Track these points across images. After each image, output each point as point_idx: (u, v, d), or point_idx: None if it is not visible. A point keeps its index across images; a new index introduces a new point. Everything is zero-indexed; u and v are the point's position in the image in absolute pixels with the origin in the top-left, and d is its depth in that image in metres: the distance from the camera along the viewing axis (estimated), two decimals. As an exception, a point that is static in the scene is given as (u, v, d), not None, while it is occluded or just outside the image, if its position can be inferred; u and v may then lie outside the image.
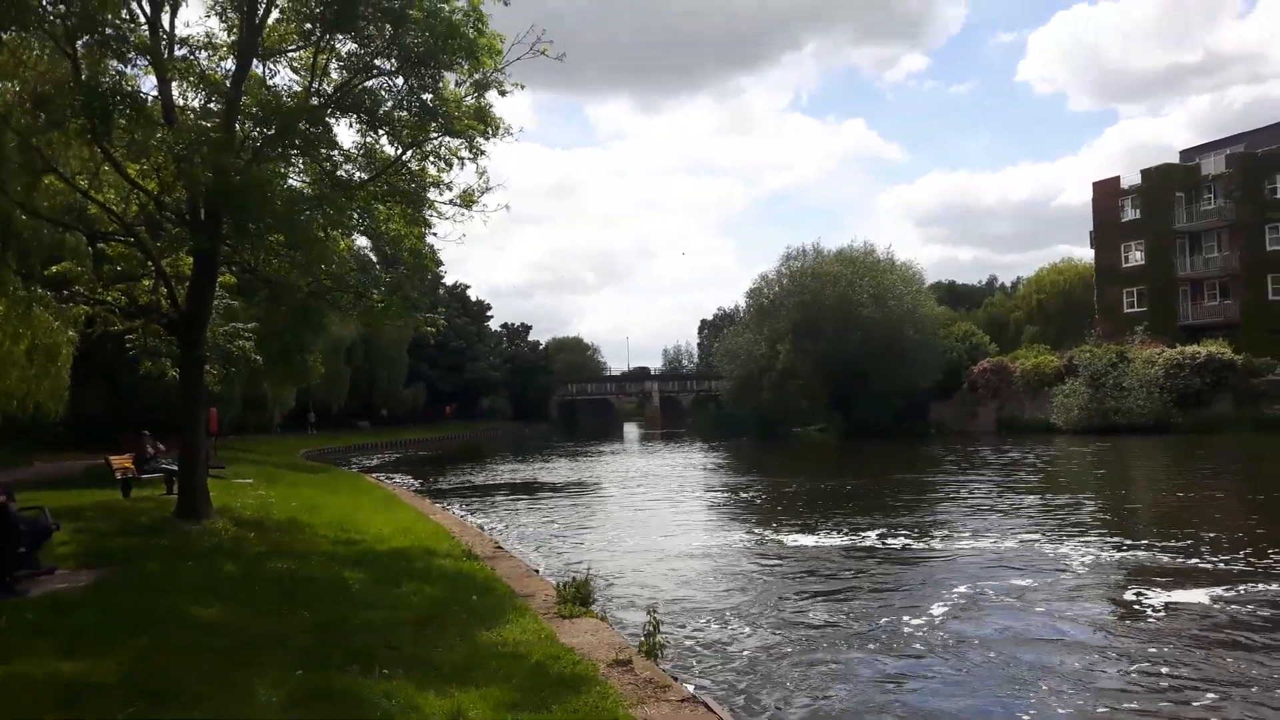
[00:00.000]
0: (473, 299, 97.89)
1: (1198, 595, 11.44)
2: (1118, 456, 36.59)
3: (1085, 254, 74.99)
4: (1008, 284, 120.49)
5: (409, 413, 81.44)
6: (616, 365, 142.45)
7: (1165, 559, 14.03)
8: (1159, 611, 10.75)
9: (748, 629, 10.23)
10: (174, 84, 12.56)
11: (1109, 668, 8.68)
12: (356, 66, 12.21)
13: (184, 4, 13.47)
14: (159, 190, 12.75)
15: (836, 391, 56.53)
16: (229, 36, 13.23)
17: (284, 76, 13.09)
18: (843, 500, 23.74)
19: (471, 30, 11.47)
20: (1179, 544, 15.13)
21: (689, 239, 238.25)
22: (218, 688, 5.83)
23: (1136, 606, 11.02)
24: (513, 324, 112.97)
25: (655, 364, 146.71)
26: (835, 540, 16.63)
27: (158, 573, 9.27)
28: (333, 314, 26.11)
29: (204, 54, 12.84)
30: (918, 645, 9.45)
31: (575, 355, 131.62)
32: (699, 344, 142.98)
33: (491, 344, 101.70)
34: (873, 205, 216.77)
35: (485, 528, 17.90)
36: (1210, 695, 7.82)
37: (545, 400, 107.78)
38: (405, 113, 12.90)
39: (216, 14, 13.03)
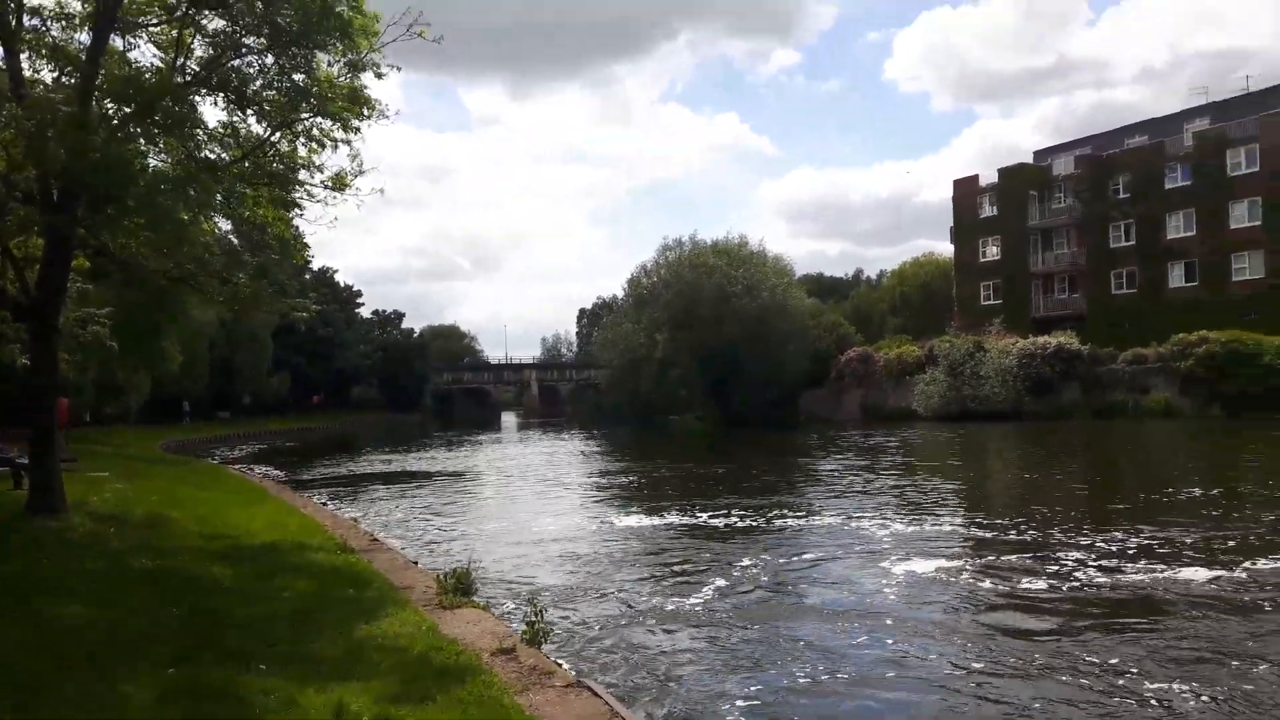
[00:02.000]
0: (341, 284, 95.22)
1: (960, 563, 12.29)
2: (970, 441, 38.60)
3: (945, 248, 78.39)
4: (873, 277, 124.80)
5: (274, 402, 78.76)
6: (494, 354, 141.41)
7: (978, 533, 15.22)
8: (930, 580, 11.38)
9: (626, 611, 10.36)
10: (23, 57, 11.82)
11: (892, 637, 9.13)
12: (224, 44, 11.72)
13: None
14: (7, 169, 11.97)
15: (712, 380, 57.59)
16: (84, 8, 12.51)
17: (144, 51, 12.45)
18: (712, 484, 24.56)
19: (346, 9, 11.17)
20: (993, 519, 16.35)
21: (565, 227, 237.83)
22: (87, 687, 5.58)
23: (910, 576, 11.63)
24: (384, 311, 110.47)
25: (533, 353, 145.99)
26: (705, 520, 17.28)
27: (14, 572, 8.76)
28: (193, 299, 25.08)
29: (57, 25, 12.09)
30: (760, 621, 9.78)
31: (451, 343, 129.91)
32: (578, 333, 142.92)
33: (362, 331, 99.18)
34: (747, 198, 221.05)
35: (359, 520, 17.50)
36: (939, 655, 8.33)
37: (420, 389, 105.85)
38: (275, 92, 12.47)
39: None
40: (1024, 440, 37.85)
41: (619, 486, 25.57)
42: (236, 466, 34.19)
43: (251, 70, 12.48)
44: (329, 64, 12.29)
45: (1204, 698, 7.33)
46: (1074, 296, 60.24)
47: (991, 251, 65.35)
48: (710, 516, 17.73)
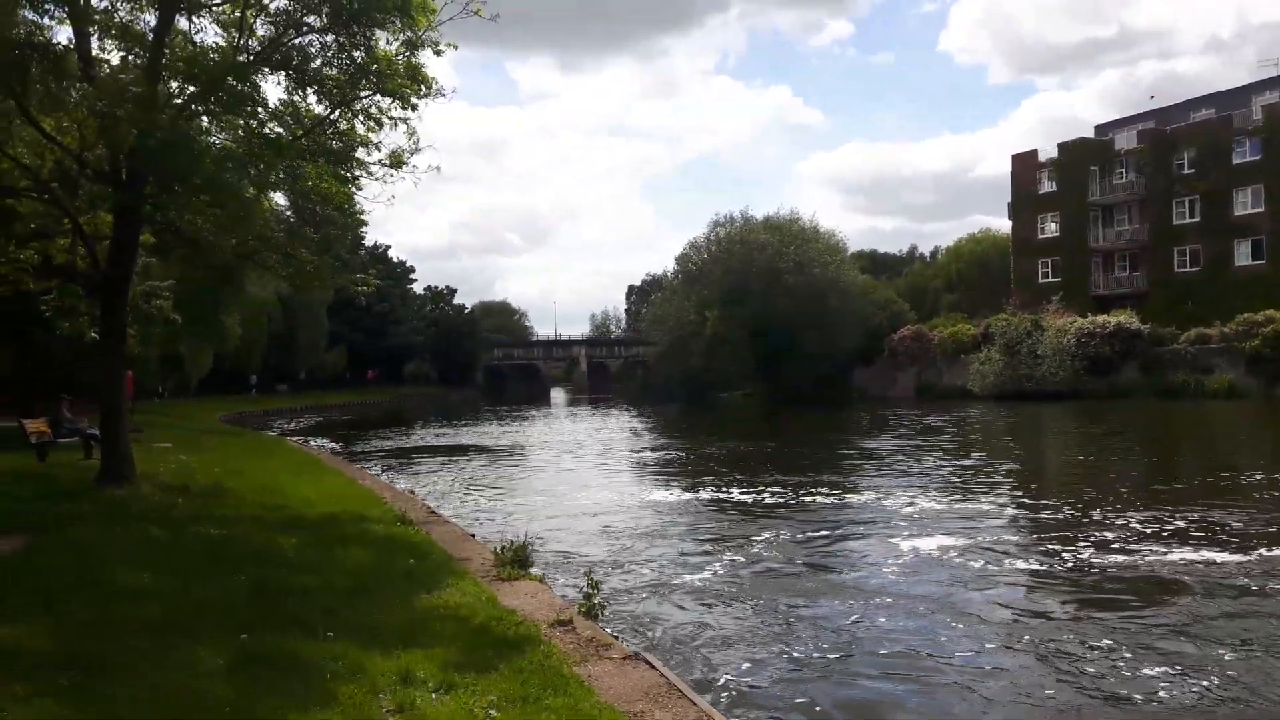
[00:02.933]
0: (394, 260, 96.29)
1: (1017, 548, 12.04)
2: (1024, 421, 37.98)
3: (1002, 224, 76.98)
4: (927, 253, 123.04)
5: (329, 377, 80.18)
6: (543, 330, 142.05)
7: (1019, 512, 15.01)
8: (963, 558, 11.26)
9: (682, 587, 10.42)
10: (93, 37, 12.08)
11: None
12: (286, 23, 11.88)
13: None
14: (79, 147, 12.28)
15: (763, 357, 57.36)
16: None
17: (208, 31, 12.65)
18: (760, 462, 24.49)
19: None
20: (1038, 500, 16.07)
21: (615, 201, 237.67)
22: (158, 653, 5.78)
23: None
24: (437, 287, 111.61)
25: (582, 329, 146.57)
26: (750, 497, 17.36)
27: (86, 539, 9.06)
28: (254, 274, 25.48)
29: (125, 5, 12.33)
30: (837, 595, 9.77)
31: (502, 319, 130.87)
32: (627, 309, 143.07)
33: (415, 307, 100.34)
34: (795, 172, 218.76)
35: (415, 492, 17.79)
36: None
37: (471, 365, 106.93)
38: (335, 70, 12.63)
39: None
40: (1079, 420, 37.16)
41: (666, 463, 25.72)
42: (294, 439, 34.92)
43: (313, 49, 12.65)
44: (386, 42, 12.39)
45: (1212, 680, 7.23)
46: (1135, 274, 58.91)
47: (1050, 228, 64.09)
48: (756, 493, 17.77)
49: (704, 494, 18.02)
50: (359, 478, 18.78)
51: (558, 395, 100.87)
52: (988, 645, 8.27)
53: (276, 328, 64.86)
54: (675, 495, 18.23)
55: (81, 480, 13.65)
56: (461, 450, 30.66)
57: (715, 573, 11.09)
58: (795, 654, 7.99)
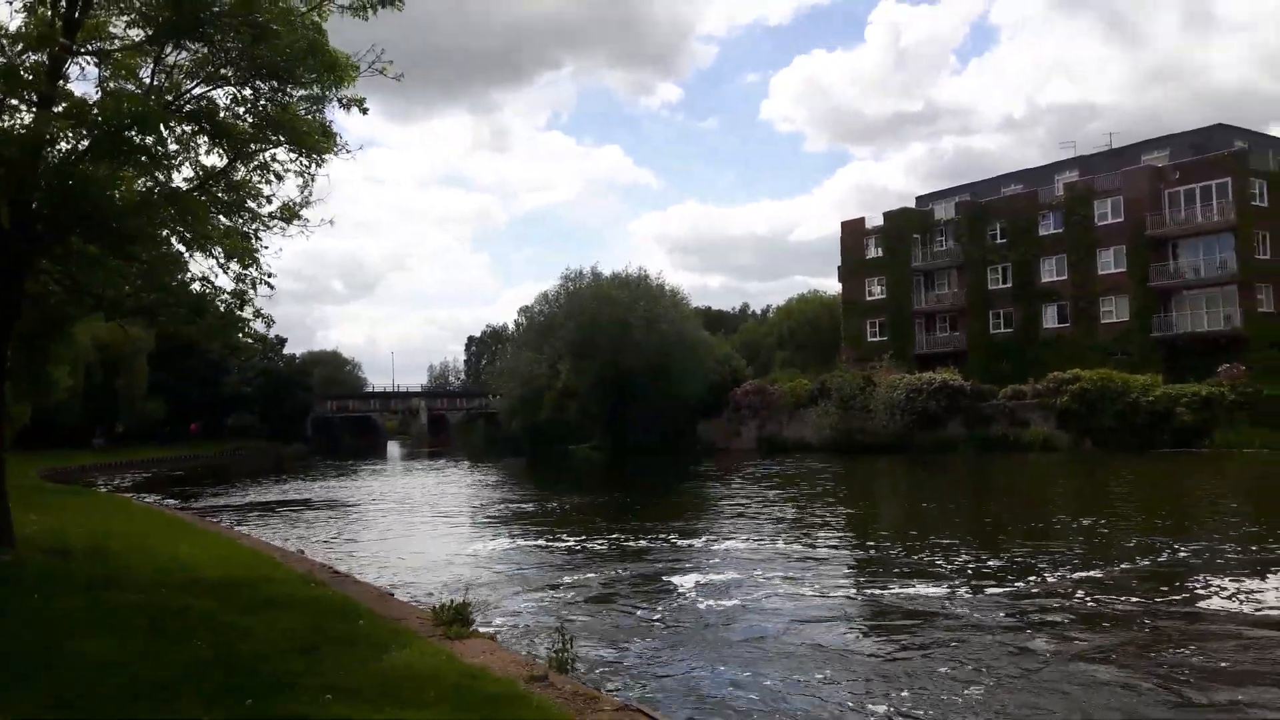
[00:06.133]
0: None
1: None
2: (858, 471, 40.51)
3: (823, 284, 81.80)
4: (758, 311, 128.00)
5: (149, 429, 75.49)
6: (374, 380, 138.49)
7: (849, 553, 16.18)
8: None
9: (604, 632, 10.70)
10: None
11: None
12: (200, 75, 11.65)
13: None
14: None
15: (612, 410, 58.11)
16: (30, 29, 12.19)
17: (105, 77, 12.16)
18: (618, 513, 26.00)
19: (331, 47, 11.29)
20: (864, 542, 17.43)
21: (447, 252, 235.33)
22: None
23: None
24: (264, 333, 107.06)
25: (418, 380, 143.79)
26: (618, 543, 19.04)
27: (6, 608, 8.49)
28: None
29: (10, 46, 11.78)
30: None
31: (333, 370, 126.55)
32: (466, 361, 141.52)
33: (242, 356, 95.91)
34: (628, 229, 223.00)
35: (299, 549, 17.26)
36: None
37: (301, 417, 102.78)
38: (243, 123, 12.44)
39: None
40: (909, 471, 39.91)
41: (530, 515, 26.39)
42: (128, 495, 33.00)
43: (220, 101, 12.41)
44: (302, 98, 12.32)
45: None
46: (955, 334, 63.30)
47: (877, 290, 68.13)
48: (622, 540, 19.34)
49: (570, 541, 19.27)
50: (236, 537, 18.04)
51: (394, 448, 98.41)
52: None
53: (93, 376, 60.73)
54: (550, 543, 19.41)
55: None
56: (307, 505, 30.38)
57: (646, 616, 11.55)
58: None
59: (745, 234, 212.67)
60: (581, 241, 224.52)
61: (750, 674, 9.31)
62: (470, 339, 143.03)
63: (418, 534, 22.45)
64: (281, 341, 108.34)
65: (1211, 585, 13.25)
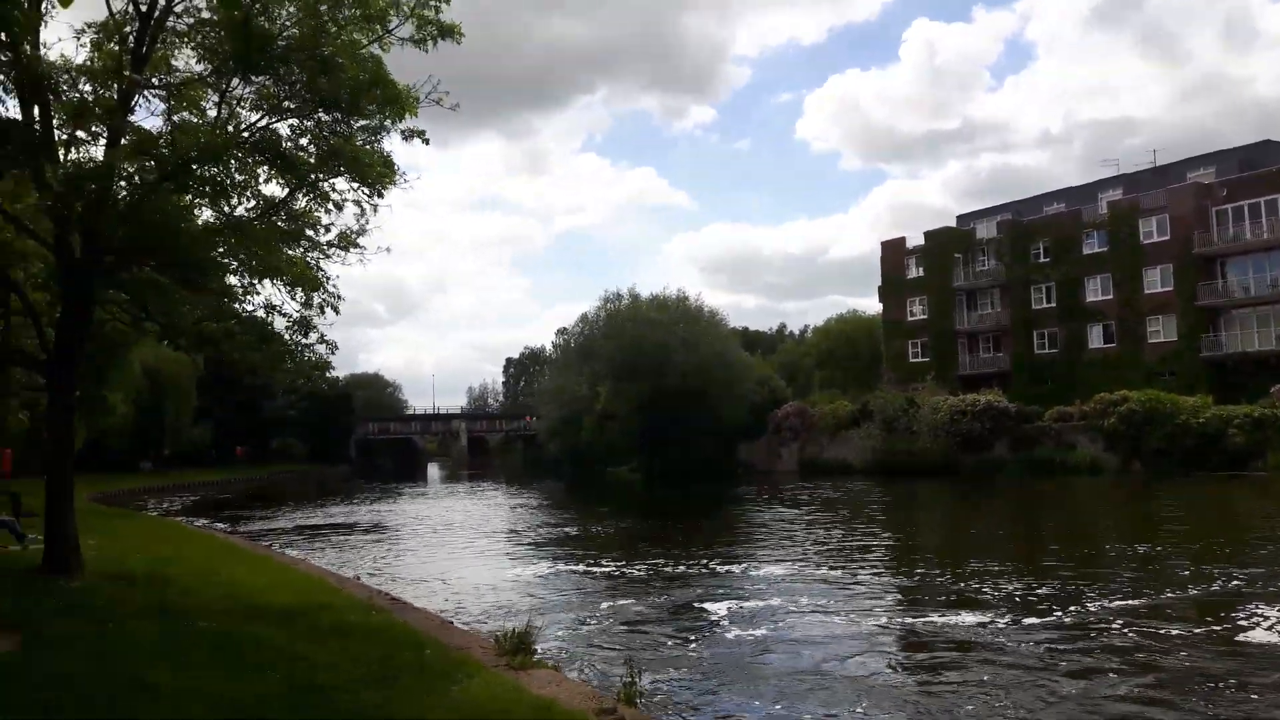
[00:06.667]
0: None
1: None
2: (904, 495, 40.02)
3: (858, 303, 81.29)
4: (795, 331, 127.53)
5: (196, 453, 76.55)
6: (414, 402, 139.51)
7: (893, 581, 15.83)
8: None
9: (673, 661, 10.63)
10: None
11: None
12: (268, 107, 11.87)
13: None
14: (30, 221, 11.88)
15: (652, 433, 58.06)
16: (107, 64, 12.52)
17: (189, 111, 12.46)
18: (655, 536, 26.43)
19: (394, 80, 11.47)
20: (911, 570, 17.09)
21: (485, 275, 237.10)
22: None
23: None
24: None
25: (457, 402, 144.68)
26: (665, 569, 18.99)
27: (80, 637, 8.61)
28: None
29: (87, 83, 12.10)
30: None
31: (374, 392, 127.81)
32: (505, 382, 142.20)
33: (288, 380, 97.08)
34: (661, 250, 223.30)
35: (359, 577, 17.37)
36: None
37: (344, 440, 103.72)
38: (308, 155, 12.65)
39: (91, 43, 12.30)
40: (954, 494, 39.47)
41: (566, 539, 26.62)
42: (179, 518, 33.45)
43: (283, 132, 12.64)
44: (364, 129, 12.51)
45: None
46: (999, 355, 62.61)
47: (918, 310, 67.59)
48: (663, 566, 19.38)
49: (632, 569, 19.14)
50: (291, 563, 18.19)
51: (434, 470, 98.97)
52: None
53: (143, 402, 61.74)
54: (591, 568, 19.63)
55: (20, 570, 12.87)
56: (353, 528, 30.78)
57: (691, 645, 11.49)
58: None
59: (779, 253, 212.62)
60: (616, 263, 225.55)
61: (785, 707, 9.27)
62: (508, 360, 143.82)
63: (461, 558, 22.60)
64: (326, 364, 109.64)
65: (1261, 616, 12.94)
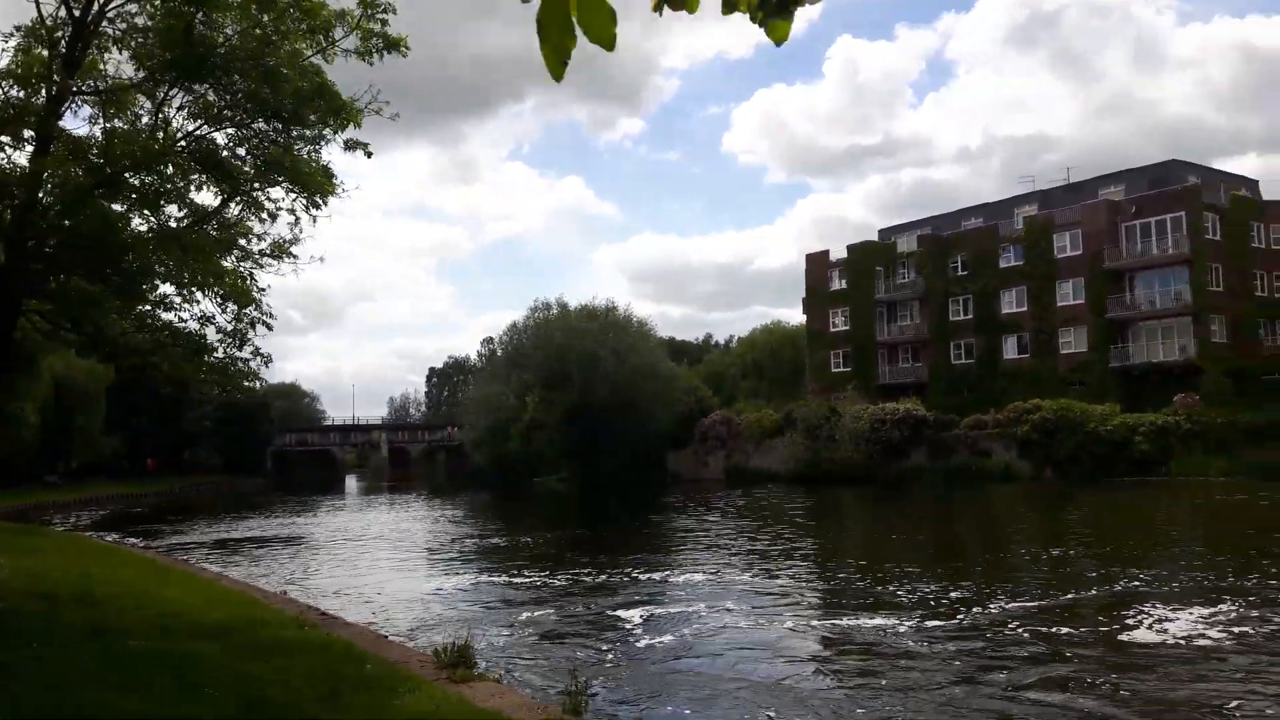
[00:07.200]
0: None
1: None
2: (817, 500, 41.15)
3: (782, 314, 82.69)
4: (720, 341, 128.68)
5: (107, 465, 74.01)
6: (335, 413, 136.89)
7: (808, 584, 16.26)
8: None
9: (591, 674, 10.75)
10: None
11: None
12: (201, 115, 11.69)
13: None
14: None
15: (581, 442, 58.05)
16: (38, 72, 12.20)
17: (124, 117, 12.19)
18: (581, 545, 26.66)
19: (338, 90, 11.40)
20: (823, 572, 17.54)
21: (410, 283, 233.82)
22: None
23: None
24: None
25: (378, 412, 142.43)
26: (589, 578, 19.20)
27: (24, 661, 8.33)
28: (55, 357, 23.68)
29: (13, 87, 11.76)
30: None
31: (292, 403, 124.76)
32: (428, 392, 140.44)
33: (202, 390, 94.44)
34: (590, 259, 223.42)
35: (287, 591, 17.08)
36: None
37: (260, 452, 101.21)
38: (243, 164, 12.49)
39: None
40: (873, 501, 40.56)
41: (491, 550, 26.74)
42: (88, 534, 32.39)
43: (218, 141, 12.46)
44: (306, 138, 12.40)
45: None
46: (918, 364, 64.15)
47: (841, 321, 68.88)
48: (586, 575, 19.58)
49: (557, 578, 19.31)
50: (216, 579, 17.79)
51: (353, 482, 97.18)
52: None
53: (50, 412, 59.54)
54: (514, 579, 19.63)
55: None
56: (272, 541, 30.51)
57: (619, 654, 11.74)
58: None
59: (707, 264, 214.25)
60: (544, 272, 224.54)
61: (698, 712, 9.50)
62: (432, 370, 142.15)
63: (383, 571, 22.47)
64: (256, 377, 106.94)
65: (1157, 615, 13.65)
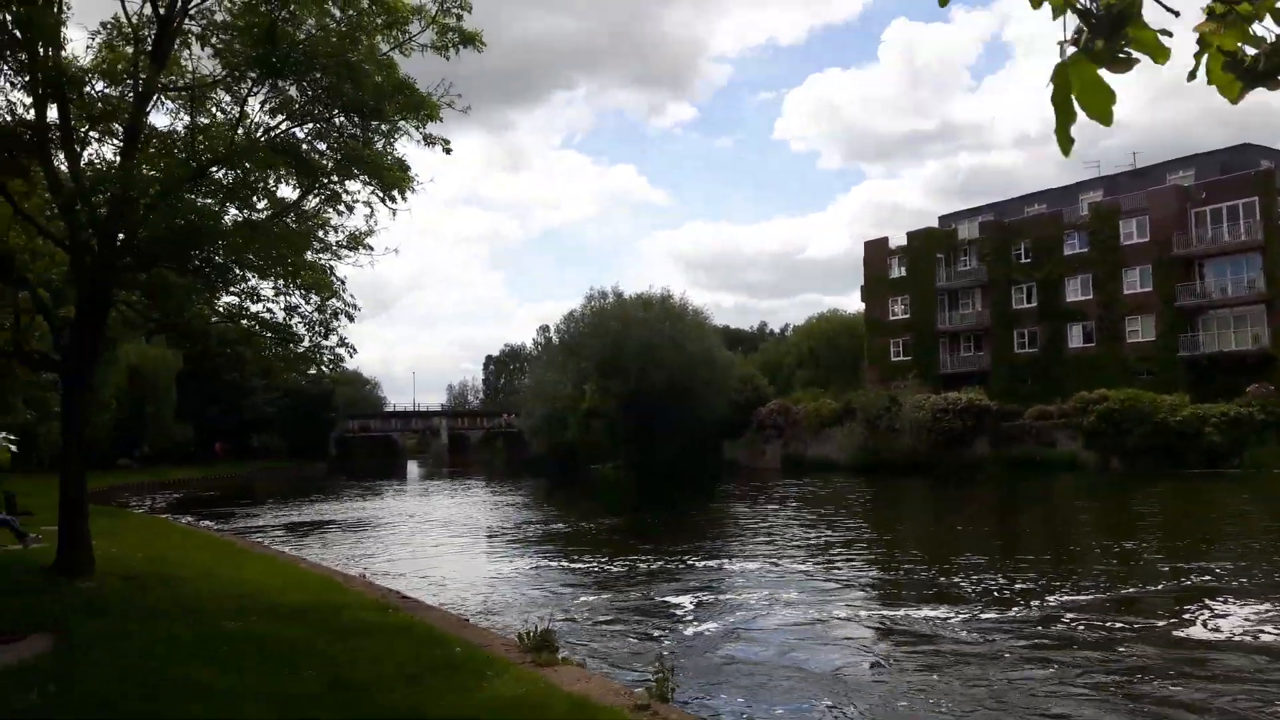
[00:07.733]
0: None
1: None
2: (877, 490, 40.79)
3: (833, 301, 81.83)
4: (775, 330, 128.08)
5: (176, 450, 76.04)
6: (393, 399, 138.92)
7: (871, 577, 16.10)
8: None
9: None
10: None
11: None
12: (288, 112, 11.96)
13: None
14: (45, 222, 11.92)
15: (638, 430, 58.30)
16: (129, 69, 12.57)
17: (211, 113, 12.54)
18: (639, 532, 27.00)
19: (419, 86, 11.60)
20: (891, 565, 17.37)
21: (463, 271, 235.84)
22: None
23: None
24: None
25: (438, 399, 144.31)
26: (649, 565, 19.32)
27: (114, 636, 8.72)
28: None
29: (106, 85, 12.15)
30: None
31: (354, 390, 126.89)
32: (485, 380, 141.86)
33: (268, 377, 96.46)
34: (640, 247, 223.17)
35: (365, 574, 17.47)
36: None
37: (324, 438, 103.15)
38: (324, 158, 12.76)
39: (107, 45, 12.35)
40: (935, 491, 40.14)
41: (554, 535, 27.20)
42: (165, 516, 33.38)
43: (299, 135, 12.74)
44: (384, 133, 12.63)
45: None
46: (979, 354, 63.23)
47: (900, 310, 68.13)
48: (645, 562, 19.72)
49: (616, 564, 19.67)
50: (294, 561, 18.28)
51: (414, 468, 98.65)
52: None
53: (124, 398, 61.39)
54: (584, 564, 20.04)
55: (31, 570, 12.91)
56: (339, 525, 31.13)
57: (673, 640, 11.87)
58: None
59: (758, 251, 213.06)
60: (595, 260, 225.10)
61: (757, 701, 9.58)
62: (489, 358, 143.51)
63: (448, 554, 23.01)
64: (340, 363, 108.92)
65: (1225, 611, 13.41)
